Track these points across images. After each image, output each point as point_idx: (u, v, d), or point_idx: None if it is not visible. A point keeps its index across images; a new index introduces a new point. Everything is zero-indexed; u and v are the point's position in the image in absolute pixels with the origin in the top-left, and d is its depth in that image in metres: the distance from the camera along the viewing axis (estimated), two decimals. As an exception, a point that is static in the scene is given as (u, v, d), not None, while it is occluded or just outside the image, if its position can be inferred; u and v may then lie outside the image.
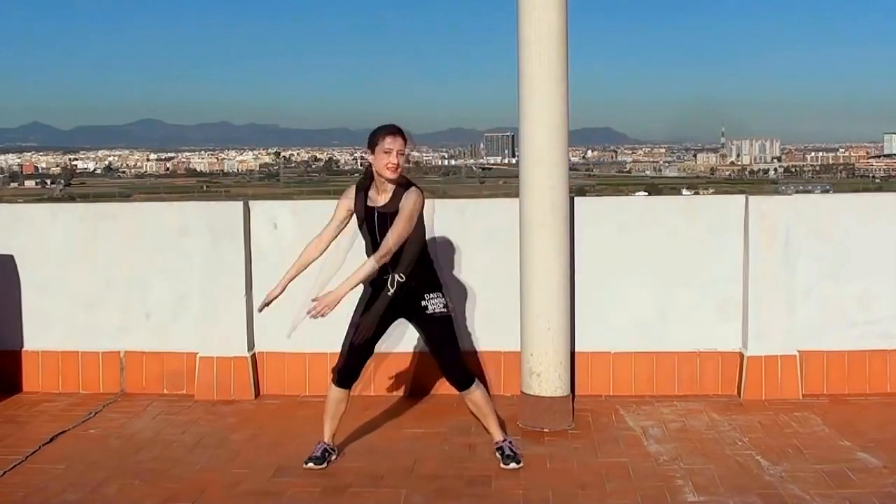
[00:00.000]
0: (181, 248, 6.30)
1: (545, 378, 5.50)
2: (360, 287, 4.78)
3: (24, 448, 5.19)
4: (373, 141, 4.70)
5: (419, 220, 4.74)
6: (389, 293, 4.75)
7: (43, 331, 6.43)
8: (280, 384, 6.28)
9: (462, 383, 4.89)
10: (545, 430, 5.44)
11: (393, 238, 4.62)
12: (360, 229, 4.82)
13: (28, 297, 6.43)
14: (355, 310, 4.89)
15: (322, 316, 4.57)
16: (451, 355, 4.87)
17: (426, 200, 4.80)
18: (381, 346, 6.00)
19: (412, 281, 4.76)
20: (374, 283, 4.81)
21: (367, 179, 4.81)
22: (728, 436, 5.31)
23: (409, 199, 4.65)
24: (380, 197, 4.75)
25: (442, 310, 4.83)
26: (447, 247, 6.19)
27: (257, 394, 6.27)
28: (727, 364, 6.13)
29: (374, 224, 4.73)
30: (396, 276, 4.73)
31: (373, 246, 4.73)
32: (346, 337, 4.90)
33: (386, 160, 4.64)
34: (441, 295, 4.85)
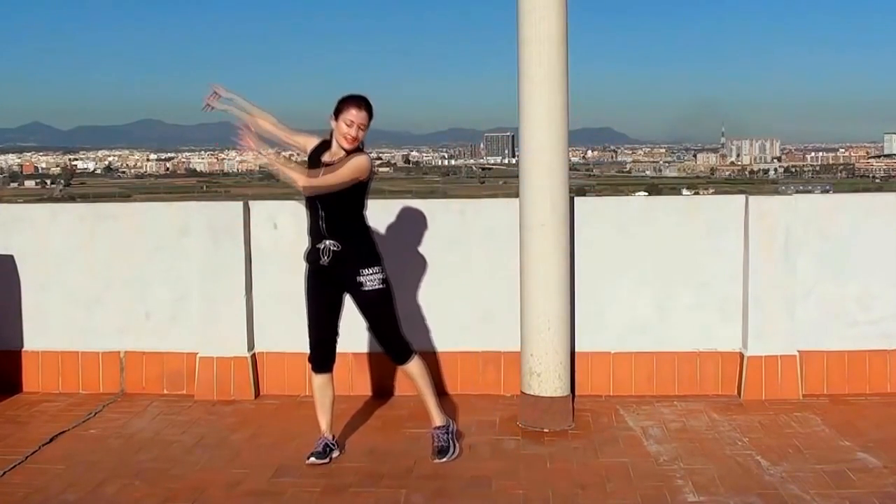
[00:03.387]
0: (181, 248, 6.30)
1: (545, 378, 5.50)
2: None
3: (24, 448, 5.19)
4: (338, 108, 4.73)
5: (360, 189, 4.75)
6: (324, 262, 4.77)
7: (43, 331, 6.43)
8: (280, 384, 6.28)
9: (400, 356, 4.93)
10: (545, 430, 5.44)
11: (330, 177, 4.64)
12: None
13: (28, 297, 6.43)
14: (305, 290, 4.96)
15: (241, 141, 4.60)
16: (386, 330, 4.91)
17: (371, 169, 4.79)
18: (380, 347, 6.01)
19: (347, 251, 4.76)
20: (310, 257, 4.85)
21: (329, 139, 4.84)
22: (728, 436, 5.31)
23: (355, 157, 4.70)
24: (333, 159, 4.79)
25: (378, 286, 4.81)
26: (447, 247, 6.19)
27: (257, 394, 6.27)
28: (727, 364, 6.13)
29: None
30: (330, 245, 4.75)
31: (316, 202, 4.73)
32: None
33: (346, 131, 4.69)
34: (379, 269, 4.83)
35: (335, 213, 4.74)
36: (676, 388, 6.13)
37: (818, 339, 6.06)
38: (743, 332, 6.11)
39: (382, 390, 6.22)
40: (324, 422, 5.00)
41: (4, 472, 4.82)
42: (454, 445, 4.99)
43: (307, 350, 6.20)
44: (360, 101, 4.74)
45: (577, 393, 5.92)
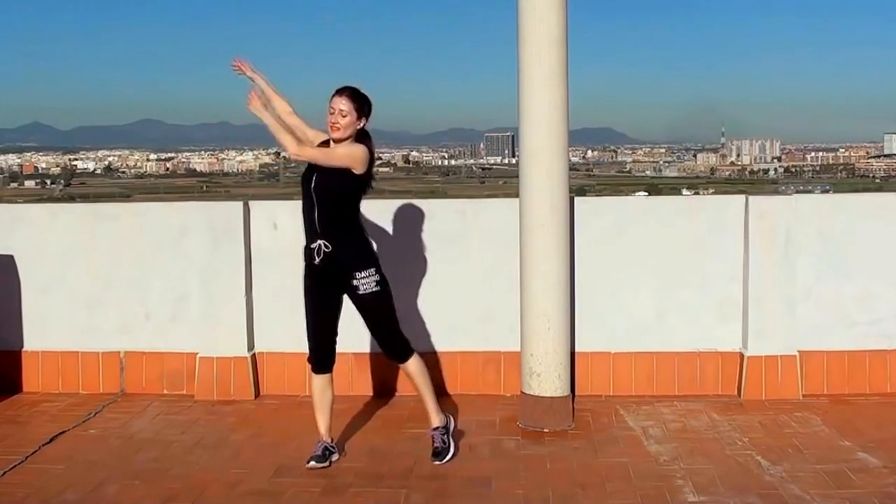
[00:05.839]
0: (181, 248, 6.30)
1: (545, 378, 5.50)
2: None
3: (24, 448, 5.19)
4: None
5: (355, 186, 4.71)
6: (317, 263, 4.75)
7: (43, 331, 6.43)
8: (280, 384, 6.28)
9: (399, 354, 4.93)
10: (545, 430, 5.44)
11: (320, 152, 4.70)
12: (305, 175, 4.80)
13: (28, 297, 6.43)
14: (303, 290, 4.93)
15: (236, 68, 4.92)
16: (385, 331, 4.90)
17: (367, 162, 4.70)
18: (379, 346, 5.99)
19: (340, 252, 4.71)
20: (305, 256, 4.84)
21: None
22: (728, 436, 5.31)
23: (350, 145, 4.70)
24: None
25: (374, 288, 4.77)
26: (447, 247, 6.19)
27: (257, 394, 6.27)
28: (727, 364, 6.13)
29: (315, 170, 4.73)
30: (322, 245, 4.71)
31: (311, 195, 4.72)
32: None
33: (328, 119, 4.70)
34: (374, 271, 4.78)
35: (328, 210, 4.69)
36: (676, 388, 6.12)
37: (818, 339, 6.06)
38: (743, 332, 6.11)
39: (383, 390, 6.22)
40: (323, 424, 4.98)
41: (4, 472, 4.82)
42: (452, 446, 4.98)
43: (307, 350, 6.22)
44: (342, 89, 4.73)
45: (577, 393, 5.92)
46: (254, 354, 6.30)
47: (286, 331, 6.25)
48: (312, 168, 4.74)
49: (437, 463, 4.87)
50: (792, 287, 6.04)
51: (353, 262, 4.75)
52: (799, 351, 6.04)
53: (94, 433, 5.55)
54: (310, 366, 4.96)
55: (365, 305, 4.81)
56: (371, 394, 6.21)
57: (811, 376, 6.05)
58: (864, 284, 6.08)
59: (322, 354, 4.92)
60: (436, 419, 5.00)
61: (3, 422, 5.76)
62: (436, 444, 4.94)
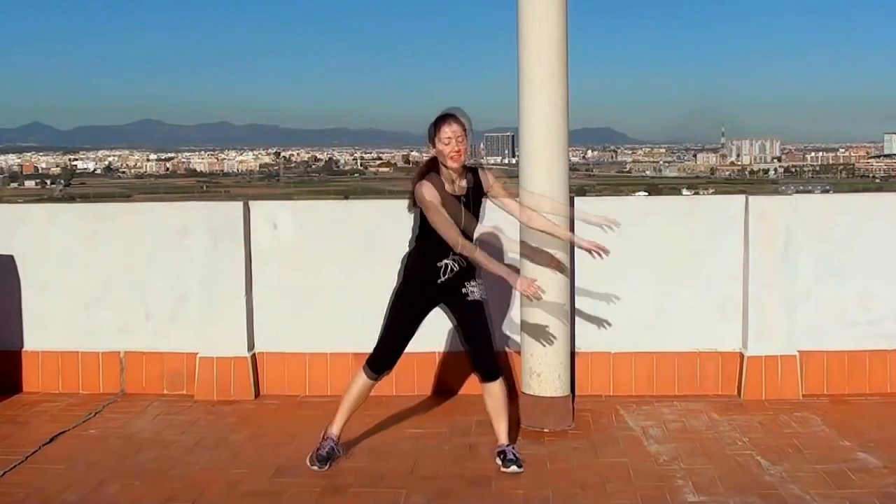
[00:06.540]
0: (181, 248, 6.30)
1: (545, 378, 5.50)
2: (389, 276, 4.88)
3: (24, 448, 5.18)
4: (432, 133, 4.72)
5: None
6: (442, 280, 4.74)
7: (43, 331, 6.43)
8: (280, 384, 6.28)
9: (490, 373, 4.85)
10: (545, 430, 5.44)
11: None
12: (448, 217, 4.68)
13: (28, 297, 6.43)
14: (396, 298, 4.83)
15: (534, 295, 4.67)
16: (486, 342, 4.86)
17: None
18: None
19: (468, 267, 4.76)
20: (427, 272, 4.74)
21: (427, 172, 4.78)
22: (728, 436, 5.31)
23: (497, 180, 4.83)
24: (460, 184, 4.79)
25: (482, 296, 4.83)
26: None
27: (257, 394, 6.27)
28: (727, 364, 6.13)
29: (470, 210, 4.75)
30: (459, 261, 4.72)
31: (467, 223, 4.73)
32: (385, 325, 4.86)
33: (448, 150, 4.67)
34: (481, 283, 4.84)
35: (469, 235, 4.72)
36: (676, 388, 6.12)
37: (818, 339, 6.06)
38: (743, 332, 6.11)
39: (382, 390, 6.21)
40: (340, 423, 4.93)
41: (4, 473, 4.82)
42: (518, 459, 4.88)
43: (307, 350, 6.22)
44: (449, 116, 4.72)
45: (577, 393, 5.92)
46: (254, 354, 6.29)
47: (286, 331, 6.27)
48: (468, 202, 4.77)
49: (507, 470, 4.76)
50: (792, 287, 6.04)
51: (468, 273, 4.80)
52: (799, 351, 6.04)
53: (94, 433, 5.55)
54: (372, 369, 4.87)
55: (479, 309, 4.81)
56: (371, 394, 6.18)
57: (811, 376, 6.05)
58: (864, 284, 6.08)
59: (391, 361, 4.88)
60: (506, 440, 4.93)
61: (3, 422, 5.76)
62: (508, 458, 4.83)
